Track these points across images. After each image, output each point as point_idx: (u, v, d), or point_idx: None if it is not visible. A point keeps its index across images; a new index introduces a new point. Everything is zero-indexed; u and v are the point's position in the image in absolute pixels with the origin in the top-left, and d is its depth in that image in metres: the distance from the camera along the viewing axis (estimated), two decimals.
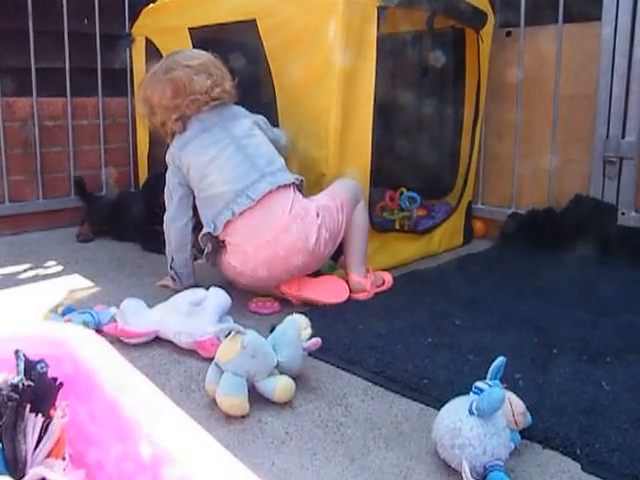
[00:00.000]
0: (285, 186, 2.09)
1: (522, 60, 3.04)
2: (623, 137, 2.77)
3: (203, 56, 2.25)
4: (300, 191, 2.17)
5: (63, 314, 1.90)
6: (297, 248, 2.05)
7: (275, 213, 2.05)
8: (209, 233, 2.11)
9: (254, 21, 2.46)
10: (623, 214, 2.78)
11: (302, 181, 2.18)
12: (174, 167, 2.19)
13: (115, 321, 1.84)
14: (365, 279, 2.22)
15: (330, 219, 2.11)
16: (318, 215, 2.08)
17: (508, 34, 3.11)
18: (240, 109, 2.27)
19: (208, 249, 2.17)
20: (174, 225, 2.20)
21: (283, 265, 2.07)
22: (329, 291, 2.16)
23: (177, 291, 2.02)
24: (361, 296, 2.18)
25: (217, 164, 2.10)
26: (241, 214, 2.03)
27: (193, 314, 1.80)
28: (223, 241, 2.14)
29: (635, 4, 2.69)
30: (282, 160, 2.19)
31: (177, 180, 2.19)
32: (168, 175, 2.22)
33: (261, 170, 2.09)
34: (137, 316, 1.83)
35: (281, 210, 2.05)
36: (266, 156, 2.15)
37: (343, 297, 2.15)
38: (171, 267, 2.25)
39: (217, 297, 1.85)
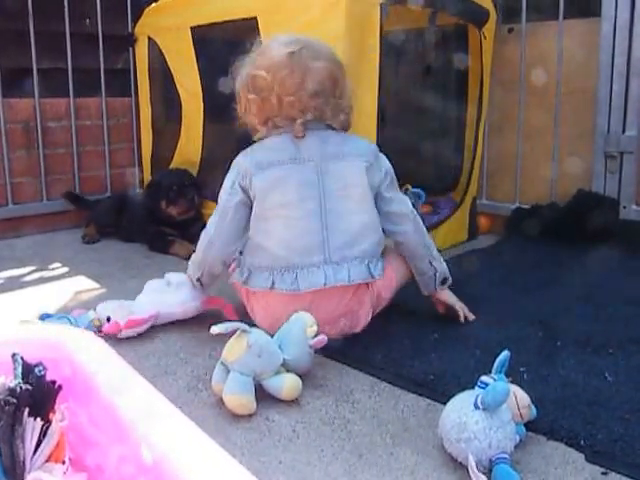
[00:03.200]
0: (344, 288, 1.72)
1: (524, 56, 3.04)
2: (623, 132, 2.78)
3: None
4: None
5: (41, 320, 1.88)
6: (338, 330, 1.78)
7: (324, 305, 1.71)
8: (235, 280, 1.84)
9: (255, 19, 2.47)
10: (624, 208, 2.80)
11: (376, 275, 1.76)
12: (240, 178, 1.76)
13: (108, 321, 1.83)
14: None
15: (378, 303, 1.85)
16: (371, 306, 1.82)
17: (510, 30, 3.12)
18: (353, 141, 1.84)
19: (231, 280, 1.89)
20: (223, 249, 1.84)
21: None
22: None
23: None
24: None
25: (286, 215, 1.73)
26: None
27: (182, 286, 1.94)
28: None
29: (634, 0, 2.69)
30: (370, 241, 1.77)
31: (238, 198, 1.77)
32: (226, 182, 1.80)
33: (327, 254, 1.70)
34: (136, 305, 1.89)
35: (335, 302, 1.73)
36: (349, 232, 1.73)
37: None
38: (198, 280, 1.92)
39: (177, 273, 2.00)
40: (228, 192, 1.78)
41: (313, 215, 1.71)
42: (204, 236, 1.86)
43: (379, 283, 1.80)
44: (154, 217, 2.85)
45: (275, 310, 1.72)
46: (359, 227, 1.75)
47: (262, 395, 1.47)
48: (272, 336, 1.56)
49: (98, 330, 1.81)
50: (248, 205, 1.77)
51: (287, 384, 1.48)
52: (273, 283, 1.71)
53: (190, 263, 1.95)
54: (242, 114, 1.84)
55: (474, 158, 3.05)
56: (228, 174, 1.80)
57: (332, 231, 1.72)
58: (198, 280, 1.91)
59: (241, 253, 1.82)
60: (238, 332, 1.49)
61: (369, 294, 1.79)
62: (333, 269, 1.70)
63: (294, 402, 1.48)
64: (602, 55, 2.79)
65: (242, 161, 1.77)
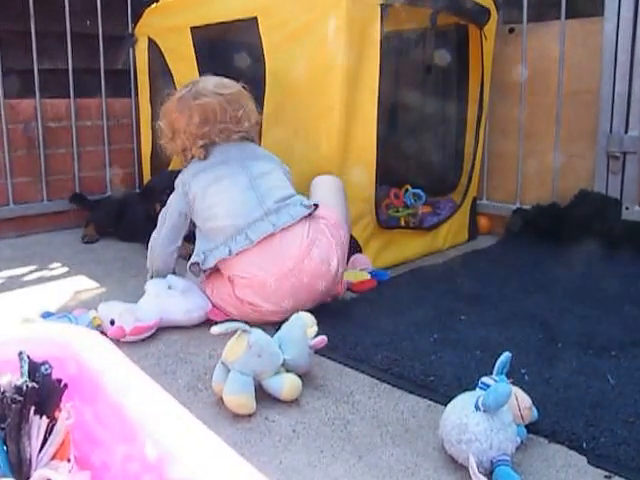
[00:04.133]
0: (292, 226, 1.95)
1: (525, 56, 3.04)
2: (626, 132, 2.77)
3: (235, 86, 2.18)
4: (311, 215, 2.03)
5: (42, 318, 1.92)
6: (320, 273, 1.95)
7: (289, 244, 1.93)
8: (197, 263, 2.00)
9: (255, 19, 2.47)
10: (627, 208, 2.78)
11: (313, 205, 2.02)
12: (181, 192, 2.10)
13: (112, 324, 1.84)
14: None
15: (337, 235, 2.03)
16: (335, 234, 2.02)
17: (511, 30, 3.11)
18: (263, 150, 2.25)
19: (201, 278, 2.09)
20: (162, 250, 2.15)
21: (307, 293, 1.95)
22: None
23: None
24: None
25: (225, 196, 2.02)
26: (239, 253, 1.92)
27: (188, 293, 1.97)
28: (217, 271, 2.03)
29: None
30: (297, 195, 2.07)
31: (179, 208, 2.11)
32: (171, 199, 2.14)
33: (266, 208, 1.97)
34: (142, 311, 1.88)
35: (299, 239, 1.94)
36: (277, 194, 2.03)
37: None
38: (151, 276, 2.18)
39: (183, 279, 2.04)
40: (171, 204, 2.14)
41: (246, 189, 2.02)
42: (150, 243, 2.20)
43: (323, 212, 2.04)
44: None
45: (271, 290, 1.91)
46: (284, 192, 2.06)
47: (262, 395, 1.47)
48: (273, 334, 1.56)
49: (101, 332, 1.81)
50: (184, 214, 2.11)
51: (287, 384, 1.48)
52: (230, 250, 1.93)
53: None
54: (167, 150, 2.26)
55: (474, 159, 3.05)
56: (174, 192, 2.15)
57: (264, 195, 2.02)
58: (152, 277, 2.18)
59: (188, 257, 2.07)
60: (238, 332, 1.49)
61: (322, 223, 2.01)
62: (276, 217, 1.96)
63: (294, 402, 1.48)
64: (605, 55, 2.78)
65: (180, 177, 2.14)
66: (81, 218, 3.26)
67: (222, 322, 1.95)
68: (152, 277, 2.17)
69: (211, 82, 2.18)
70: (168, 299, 1.94)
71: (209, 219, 2.03)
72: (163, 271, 2.15)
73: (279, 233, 1.93)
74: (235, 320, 1.68)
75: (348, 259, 2.38)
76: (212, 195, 2.04)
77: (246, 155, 2.13)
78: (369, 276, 2.35)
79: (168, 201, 2.16)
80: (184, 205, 2.10)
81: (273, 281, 1.90)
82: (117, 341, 1.78)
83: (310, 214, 2.00)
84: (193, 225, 2.13)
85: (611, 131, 2.80)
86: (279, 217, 1.96)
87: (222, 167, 2.08)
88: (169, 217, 2.13)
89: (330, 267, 1.97)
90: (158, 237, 2.16)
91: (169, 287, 1.99)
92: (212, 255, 1.97)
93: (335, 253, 1.99)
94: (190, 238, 2.17)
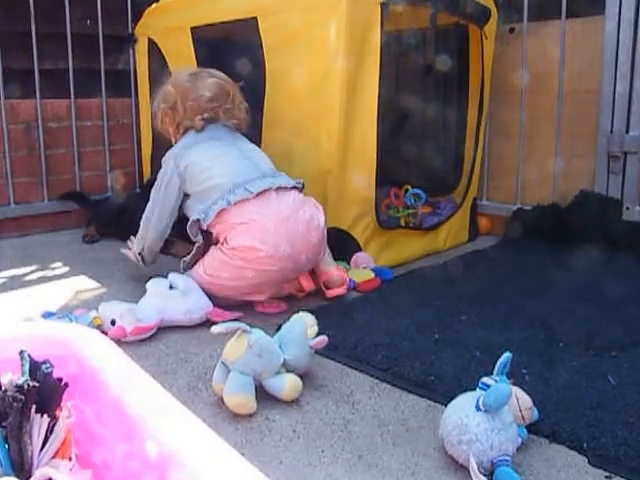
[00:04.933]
0: (286, 188, 2.11)
1: (526, 56, 3.03)
2: (627, 132, 2.77)
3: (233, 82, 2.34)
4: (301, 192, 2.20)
5: (43, 318, 1.93)
6: (312, 226, 2.07)
7: (282, 201, 2.06)
8: (198, 220, 2.07)
9: (255, 19, 2.47)
10: (628, 209, 2.78)
11: (303, 185, 2.22)
12: (173, 165, 2.15)
13: (112, 324, 1.84)
14: (340, 271, 2.25)
15: (322, 213, 2.15)
16: (319, 205, 2.16)
17: (511, 30, 3.11)
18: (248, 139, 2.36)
19: (199, 242, 2.14)
20: (157, 223, 2.20)
21: (302, 242, 2.03)
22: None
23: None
24: (341, 291, 2.18)
25: (220, 161, 2.13)
26: (237, 204, 2.01)
27: (189, 292, 1.95)
28: (211, 235, 2.11)
29: None
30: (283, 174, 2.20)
31: (172, 180, 2.16)
32: (162, 172, 2.19)
33: (263, 172, 2.12)
34: (143, 311, 1.88)
35: (292, 197, 2.09)
36: (269, 165, 2.21)
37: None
38: (140, 254, 2.29)
39: (184, 278, 2.02)
40: (163, 178, 2.18)
41: (239, 158, 2.16)
42: (144, 216, 2.24)
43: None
44: None
45: (270, 233, 1.98)
46: (271, 162, 2.23)
47: (262, 395, 1.47)
48: (273, 334, 1.56)
49: (101, 332, 1.81)
50: (177, 186, 2.15)
51: (287, 384, 1.47)
52: (228, 201, 2.01)
53: (135, 240, 2.31)
54: (160, 126, 2.36)
55: (475, 159, 3.05)
56: (163, 166, 2.20)
57: (256, 161, 2.18)
58: (140, 255, 2.28)
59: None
60: (239, 332, 1.48)
61: (311, 198, 2.16)
62: (272, 178, 2.11)
63: (294, 402, 1.48)
64: (605, 54, 2.78)
65: (171, 150, 2.22)
66: (82, 218, 3.27)
67: (223, 322, 1.99)
68: (143, 248, 2.26)
69: (215, 70, 2.33)
70: (169, 299, 1.94)
71: (205, 181, 2.10)
72: (156, 243, 2.24)
73: (275, 191, 2.06)
74: (236, 320, 1.68)
75: (350, 258, 2.39)
76: (206, 161, 2.13)
77: (235, 136, 2.27)
78: (373, 274, 2.35)
79: (159, 175, 2.21)
80: (176, 177, 2.15)
81: (272, 224, 1.99)
82: (117, 341, 1.78)
83: (300, 190, 2.18)
84: (185, 220, 2.15)
85: (612, 131, 2.80)
86: (275, 179, 2.10)
87: (214, 142, 2.19)
88: (163, 191, 2.17)
89: (320, 223, 2.10)
90: (152, 213, 2.20)
91: (170, 287, 1.99)
92: (211, 209, 2.03)
93: (323, 216, 2.13)
94: (186, 237, 2.18)
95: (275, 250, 1.97)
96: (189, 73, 2.30)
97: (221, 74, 2.31)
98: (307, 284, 2.16)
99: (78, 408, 0.98)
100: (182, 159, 2.14)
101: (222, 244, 2.04)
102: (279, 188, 2.08)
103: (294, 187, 2.15)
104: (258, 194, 2.02)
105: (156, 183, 2.21)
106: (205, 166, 2.11)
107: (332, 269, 2.21)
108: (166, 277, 2.03)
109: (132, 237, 2.35)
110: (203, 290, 2.01)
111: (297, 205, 2.07)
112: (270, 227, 1.98)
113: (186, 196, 2.18)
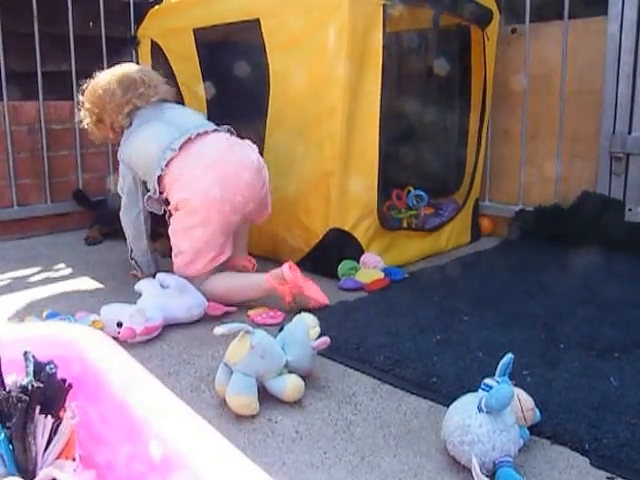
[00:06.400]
0: (209, 131, 2.22)
1: (528, 57, 3.03)
2: (630, 132, 2.77)
3: (140, 66, 2.57)
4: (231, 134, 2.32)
5: (46, 318, 1.93)
6: (243, 165, 2.15)
7: (211, 144, 2.18)
8: (150, 197, 2.22)
9: (257, 21, 2.47)
10: (630, 210, 2.78)
11: (230, 130, 2.32)
12: (121, 162, 2.31)
13: (119, 326, 1.84)
14: (249, 262, 2.41)
15: (255, 155, 2.24)
16: (253, 147, 2.25)
17: (513, 31, 3.11)
18: (179, 105, 2.51)
19: (159, 210, 2.28)
20: (128, 216, 2.35)
21: (234, 182, 2.12)
22: (316, 291, 2.10)
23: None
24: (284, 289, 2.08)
25: (150, 139, 2.23)
26: (168, 164, 2.14)
27: (185, 290, 2.01)
28: (168, 202, 2.22)
29: None
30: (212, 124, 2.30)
31: (126, 175, 2.31)
32: (119, 171, 2.34)
33: (184, 129, 2.20)
34: (149, 311, 1.88)
35: (218, 141, 2.20)
36: (193, 121, 2.28)
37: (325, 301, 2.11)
38: (132, 257, 2.41)
39: (175, 277, 2.07)
40: (121, 175, 2.33)
41: (165, 127, 2.24)
42: (120, 214, 2.37)
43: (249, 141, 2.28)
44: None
45: (198, 181, 2.10)
46: (198, 118, 2.35)
47: (265, 396, 1.47)
48: (276, 335, 1.56)
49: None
50: (132, 177, 2.28)
51: (290, 385, 1.48)
52: (161, 168, 2.13)
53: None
54: (99, 139, 2.53)
55: (477, 160, 3.05)
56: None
57: (180, 123, 2.25)
58: (133, 259, 2.40)
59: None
60: (241, 333, 1.49)
61: (246, 140, 2.26)
62: (194, 129, 2.19)
63: (297, 403, 1.48)
64: (608, 55, 2.78)
65: (119, 152, 2.33)
66: (84, 220, 3.27)
67: (221, 316, 2.02)
68: (131, 249, 2.39)
69: (118, 66, 2.48)
70: (168, 298, 1.97)
71: (145, 163, 2.22)
72: (137, 234, 2.36)
73: (195, 138, 2.17)
74: (238, 322, 1.68)
75: (358, 259, 2.39)
76: (139, 145, 2.26)
77: (162, 109, 2.36)
78: (382, 274, 2.36)
79: (119, 174, 2.36)
80: (128, 171, 2.29)
81: (198, 172, 2.11)
82: (120, 341, 1.78)
83: (231, 133, 2.30)
84: (165, 214, 2.29)
85: (614, 132, 2.80)
86: (196, 129, 2.20)
87: (143, 127, 2.30)
88: (124, 186, 2.33)
89: (252, 160, 2.18)
90: (122, 206, 2.36)
91: (162, 286, 2.03)
92: (153, 180, 2.18)
93: (257, 154, 2.22)
94: (166, 234, 2.23)
95: (205, 195, 2.09)
96: (93, 82, 2.41)
97: (128, 65, 2.48)
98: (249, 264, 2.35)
99: (82, 409, 0.98)
100: (124, 154, 2.30)
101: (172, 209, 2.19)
102: (199, 135, 2.18)
103: (216, 130, 2.25)
104: (181, 148, 2.14)
105: (119, 182, 2.37)
106: (140, 150, 2.25)
107: (239, 258, 2.35)
108: (154, 277, 2.08)
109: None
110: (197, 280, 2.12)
111: (225, 148, 2.17)
112: (197, 175, 2.11)
113: (144, 185, 2.30)
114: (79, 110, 2.48)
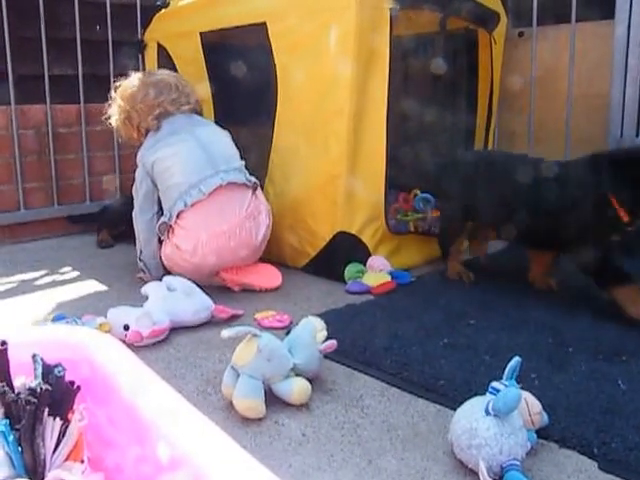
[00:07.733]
0: (239, 185, 2.31)
1: (535, 60, 3.03)
2: (637, 136, 2.76)
3: (176, 74, 2.61)
4: (255, 192, 2.38)
5: (53, 321, 1.94)
6: (246, 243, 2.29)
7: (232, 208, 2.27)
8: (164, 223, 2.28)
9: (264, 24, 2.48)
10: None
11: (256, 183, 2.38)
12: (141, 165, 2.37)
13: (125, 329, 1.84)
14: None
15: (270, 222, 2.38)
16: (267, 217, 2.37)
17: (521, 34, 3.11)
18: (208, 120, 2.56)
19: (163, 236, 2.33)
20: (141, 219, 2.40)
21: (231, 256, 2.28)
22: (264, 277, 2.35)
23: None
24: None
25: (178, 157, 2.29)
26: (194, 205, 2.23)
27: (192, 293, 2.02)
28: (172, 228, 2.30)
29: None
30: (242, 162, 2.39)
31: (143, 179, 2.36)
32: (137, 174, 2.40)
33: (216, 167, 2.29)
34: (156, 314, 1.89)
35: (238, 207, 2.28)
36: (225, 156, 2.36)
37: (277, 282, 2.35)
38: (140, 259, 2.43)
39: (181, 280, 2.07)
40: (138, 177, 2.39)
41: (194, 148, 2.31)
42: (132, 215, 2.43)
43: (262, 198, 2.41)
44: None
45: (201, 245, 2.23)
46: (229, 151, 2.40)
47: (272, 399, 1.47)
48: (283, 338, 1.56)
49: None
50: (149, 183, 2.35)
51: (297, 388, 1.48)
52: (185, 203, 2.23)
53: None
54: (124, 137, 2.59)
55: None
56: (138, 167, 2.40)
57: (212, 154, 2.31)
58: (142, 261, 2.42)
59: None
60: (248, 336, 1.49)
61: (262, 204, 2.38)
62: (224, 174, 2.28)
63: (304, 406, 1.48)
64: (615, 58, 2.77)
65: (139, 153, 2.40)
66: (91, 223, 3.28)
67: (228, 319, 2.02)
68: (141, 250, 2.41)
69: (157, 70, 2.62)
70: (176, 301, 1.97)
71: (168, 179, 2.29)
72: (148, 237, 2.39)
73: (225, 187, 2.26)
74: (245, 325, 1.68)
75: (365, 262, 2.39)
76: (167, 157, 2.30)
77: (193, 123, 2.42)
78: (389, 277, 2.36)
79: (135, 176, 2.41)
80: (146, 175, 2.35)
81: (205, 237, 2.23)
82: (128, 346, 1.78)
83: (254, 189, 2.37)
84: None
85: (622, 135, 2.79)
86: (227, 175, 2.28)
87: (172, 136, 2.35)
88: (140, 189, 2.39)
89: (256, 241, 2.32)
90: (136, 209, 2.41)
91: (168, 289, 2.03)
92: (173, 210, 2.25)
93: (264, 232, 2.35)
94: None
95: (202, 259, 2.24)
96: (134, 79, 2.48)
97: (163, 70, 2.58)
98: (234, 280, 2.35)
99: (90, 411, 0.98)
100: (147, 160, 2.34)
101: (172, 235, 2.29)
102: (229, 184, 2.27)
103: (244, 184, 2.32)
104: (210, 194, 2.23)
105: (135, 182, 2.42)
106: (167, 164, 2.29)
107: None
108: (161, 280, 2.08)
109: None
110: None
111: (239, 222, 2.27)
112: (203, 239, 2.22)
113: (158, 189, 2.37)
114: (109, 106, 2.53)
